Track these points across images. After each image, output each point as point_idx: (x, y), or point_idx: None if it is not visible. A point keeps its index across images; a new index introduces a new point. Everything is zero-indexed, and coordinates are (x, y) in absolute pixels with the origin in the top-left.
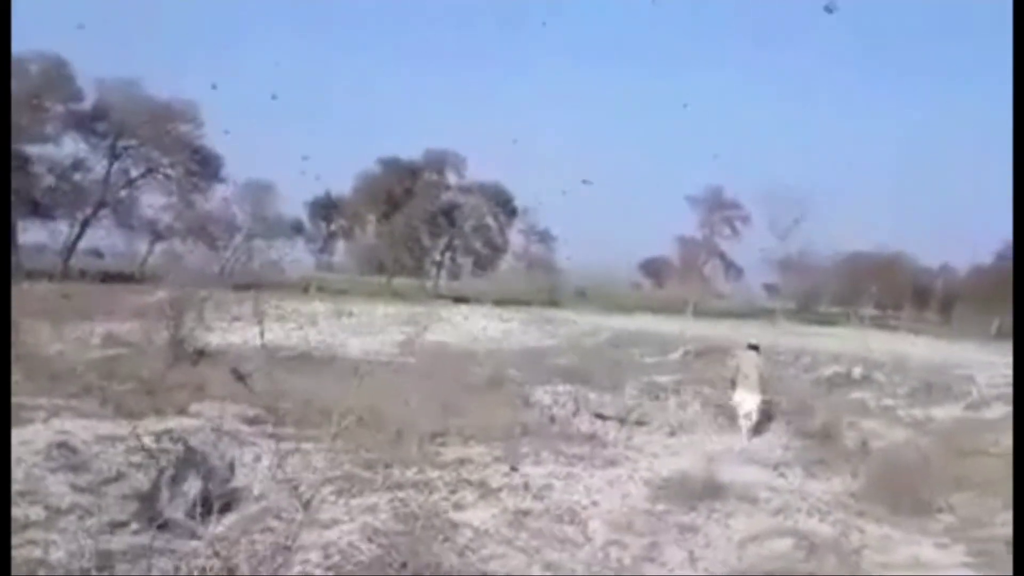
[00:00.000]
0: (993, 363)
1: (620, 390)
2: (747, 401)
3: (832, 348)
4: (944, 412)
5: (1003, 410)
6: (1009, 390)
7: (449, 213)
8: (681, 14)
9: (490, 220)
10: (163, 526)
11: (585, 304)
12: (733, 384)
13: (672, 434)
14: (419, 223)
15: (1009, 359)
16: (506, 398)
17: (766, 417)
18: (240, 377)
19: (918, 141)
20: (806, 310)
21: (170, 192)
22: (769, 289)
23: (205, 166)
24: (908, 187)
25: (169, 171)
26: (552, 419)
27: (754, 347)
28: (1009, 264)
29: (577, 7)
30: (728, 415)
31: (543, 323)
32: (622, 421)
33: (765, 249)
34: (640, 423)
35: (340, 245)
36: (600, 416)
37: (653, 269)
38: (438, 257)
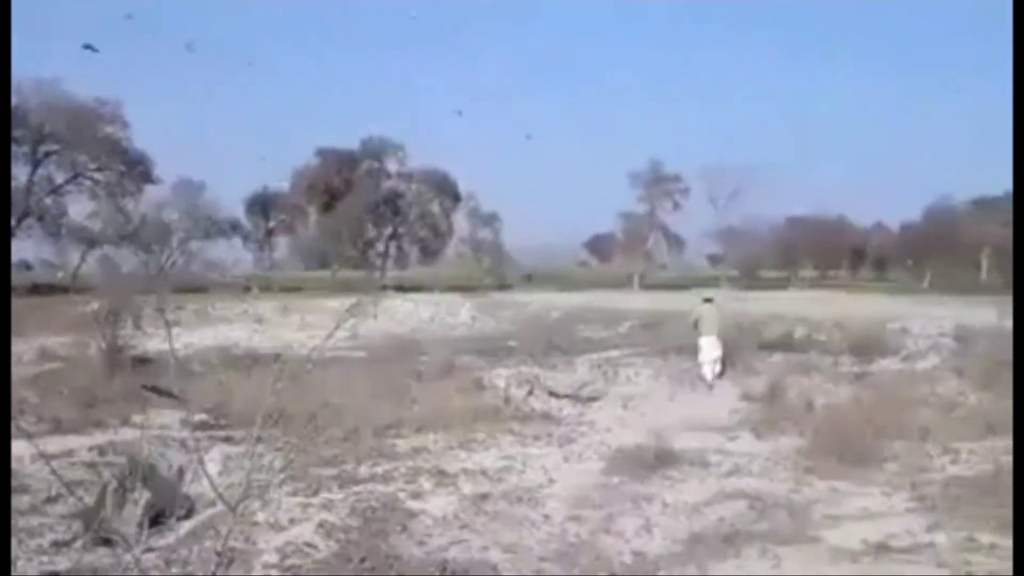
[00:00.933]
0: (925, 316)
1: (572, 367)
2: (711, 348)
3: (773, 311)
4: (882, 366)
5: (935, 360)
6: (942, 340)
7: (392, 202)
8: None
9: (434, 206)
10: (111, 541)
11: (534, 285)
12: (697, 330)
13: (624, 407)
14: (361, 213)
15: (939, 311)
16: (458, 384)
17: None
18: (153, 389)
19: (849, 107)
20: (748, 276)
21: (98, 197)
22: (712, 258)
23: (134, 168)
24: (840, 152)
25: (96, 175)
26: (506, 401)
27: (708, 300)
28: (937, 220)
29: None
30: (678, 382)
31: (492, 307)
32: (576, 398)
33: (707, 221)
34: (593, 398)
35: (282, 242)
36: (554, 394)
37: (598, 246)
38: (383, 247)
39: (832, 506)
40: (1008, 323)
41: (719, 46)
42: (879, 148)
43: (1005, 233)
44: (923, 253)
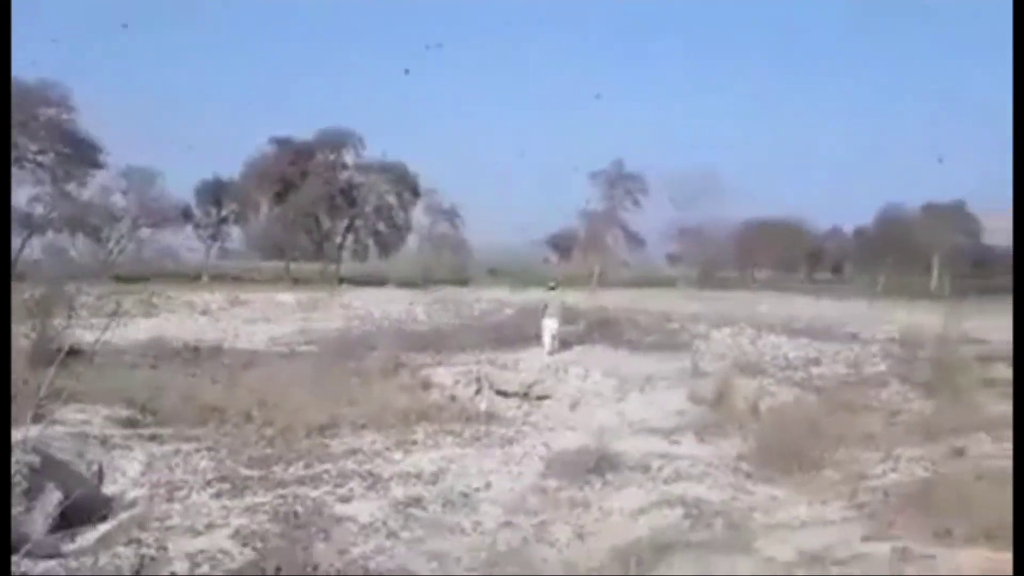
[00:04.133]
0: (876, 319)
1: (522, 365)
2: (551, 326)
3: (727, 312)
4: (830, 370)
5: (883, 366)
6: (890, 347)
7: (348, 193)
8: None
9: (392, 199)
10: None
11: (494, 281)
12: (543, 312)
13: (572, 407)
14: (316, 204)
15: (890, 314)
16: (404, 382)
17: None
18: None
19: (808, 116)
20: (706, 277)
21: (42, 181)
22: (671, 258)
23: (79, 152)
24: (796, 158)
25: (40, 158)
26: (453, 399)
27: (553, 287)
28: (888, 225)
29: None
30: (630, 383)
31: (448, 303)
32: (524, 397)
33: (667, 220)
34: (541, 397)
35: (235, 232)
36: (502, 393)
37: (560, 243)
38: (339, 240)
39: (768, 514)
40: (952, 330)
41: (683, 50)
42: (840, 154)
43: (954, 240)
44: (876, 258)
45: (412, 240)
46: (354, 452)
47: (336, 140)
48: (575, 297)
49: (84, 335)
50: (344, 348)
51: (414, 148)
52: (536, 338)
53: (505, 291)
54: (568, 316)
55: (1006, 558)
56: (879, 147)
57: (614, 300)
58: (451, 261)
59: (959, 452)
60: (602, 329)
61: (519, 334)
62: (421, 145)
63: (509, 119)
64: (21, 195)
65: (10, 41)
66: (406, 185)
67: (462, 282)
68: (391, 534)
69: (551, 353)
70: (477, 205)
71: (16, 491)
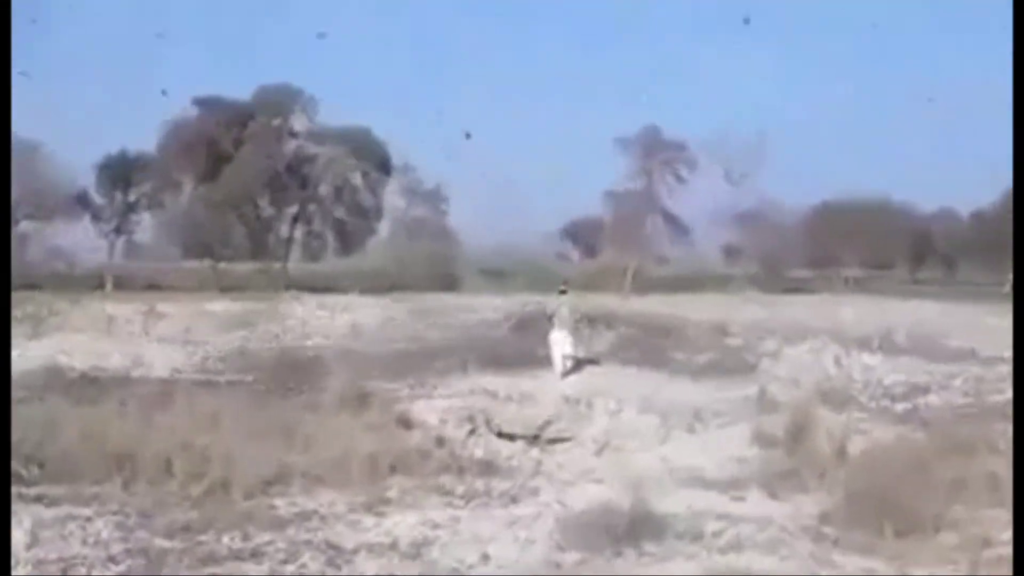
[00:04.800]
0: (1000, 330)
1: (532, 398)
2: (563, 341)
3: (803, 321)
4: (941, 399)
5: (1011, 393)
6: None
7: (297, 170)
8: None
9: (356, 178)
10: None
11: (491, 284)
12: (550, 321)
13: (599, 452)
14: (254, 184)
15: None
16: (373, 420)
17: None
18: None
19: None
20: (773, 275)
21: None
22: (727, 251)
23: None
24: (889, 122)
25: None
26: (439, 443)
27: (563, 291)
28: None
29: None
30: (676, 419)
31: (430, 313)
32: (534, 439)
33: (719, 203)
34: (557, 440)
35: (148, 222)
36: (504, 435)
37: (580, 234)
38: (286, 231)
39: None
40: None
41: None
42: (934, 114)
43: None
44: (1000, 249)
45: (384, 230)
46: (308, 516)
47: (281, 100)
48: (603, 303)
49: None
50: (294, 375)
51: (385, 113)
52: (547, 360)
53: (505, 297)
54: (592, 327)
55: None
56: (995, 110)
57: (653, 307)
58: (433, 258)
59: None
60: (639, 345)
61: (525, 354)
62: (393, 109)
63: (509, 73)
64: None
65: (10, 41)
66: (374, 159)
67: (448, 286)
68: None
69: (564, 375)
70: (467, 185)
71: None
